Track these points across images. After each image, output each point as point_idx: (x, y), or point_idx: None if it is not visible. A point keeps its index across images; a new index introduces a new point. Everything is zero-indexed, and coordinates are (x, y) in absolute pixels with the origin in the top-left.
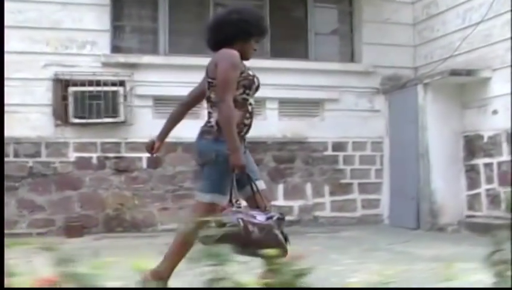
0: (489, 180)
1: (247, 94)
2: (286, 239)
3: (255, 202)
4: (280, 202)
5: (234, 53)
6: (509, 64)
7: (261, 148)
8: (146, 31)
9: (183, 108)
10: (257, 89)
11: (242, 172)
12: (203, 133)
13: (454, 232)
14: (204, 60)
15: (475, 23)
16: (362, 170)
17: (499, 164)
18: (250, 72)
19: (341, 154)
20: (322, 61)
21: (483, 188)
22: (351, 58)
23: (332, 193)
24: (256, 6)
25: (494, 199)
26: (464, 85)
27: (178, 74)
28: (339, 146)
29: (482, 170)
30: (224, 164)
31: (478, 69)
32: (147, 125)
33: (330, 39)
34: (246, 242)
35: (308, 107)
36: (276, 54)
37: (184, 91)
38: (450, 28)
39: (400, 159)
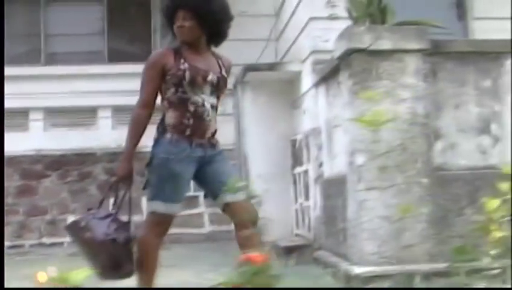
0: (300, 193)
1: (183, 92)
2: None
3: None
4: None
5: (153, 53)
6: (311, 51)
7: (90, 161)
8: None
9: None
10: (194, 82)
11: (122, 183)
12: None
13: None
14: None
15: (295, 6)
16: None
17: (304, 173)
18: (183, 66)
19: None
20: None
21: (298, 202)
22: None
23: None
24: (96, 9)
25: (304, 215)
26: (293, 82)
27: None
28: None
29: (298, 180)
30: (161, 167)
31: (284, 62)
32: None
33: None
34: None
35: None
36: (113, 58)
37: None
38: (286, 16)
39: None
